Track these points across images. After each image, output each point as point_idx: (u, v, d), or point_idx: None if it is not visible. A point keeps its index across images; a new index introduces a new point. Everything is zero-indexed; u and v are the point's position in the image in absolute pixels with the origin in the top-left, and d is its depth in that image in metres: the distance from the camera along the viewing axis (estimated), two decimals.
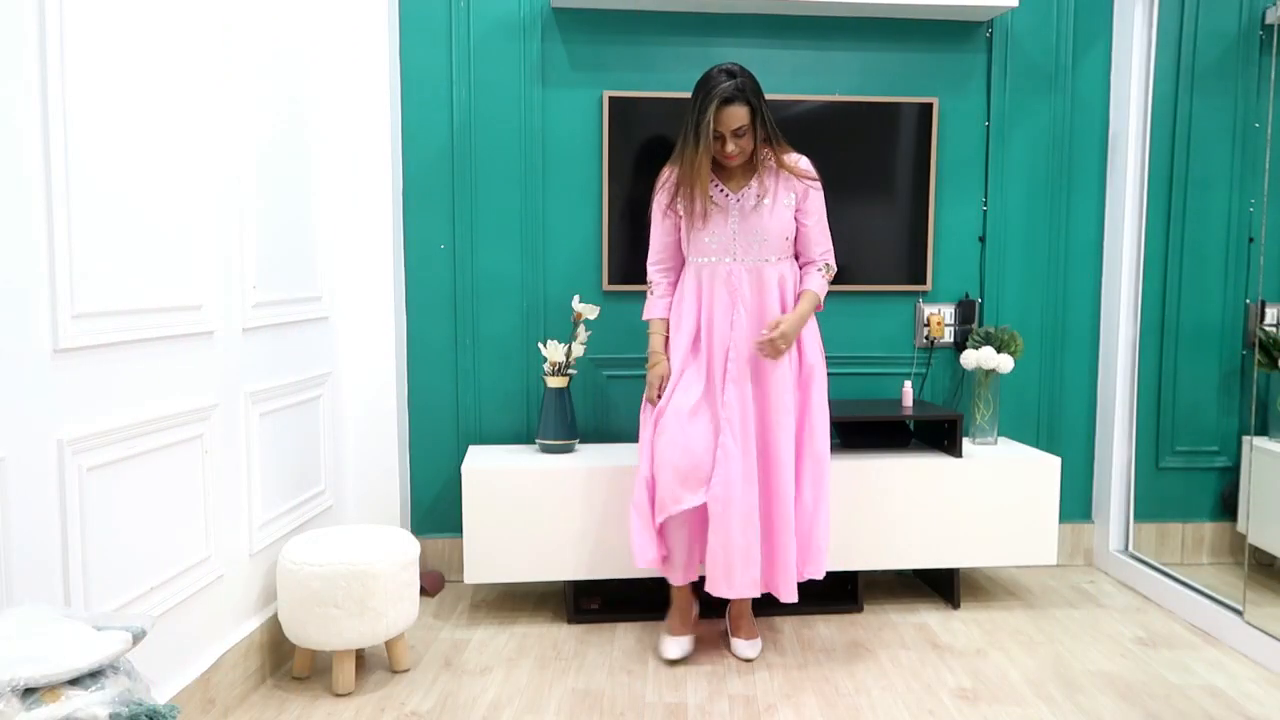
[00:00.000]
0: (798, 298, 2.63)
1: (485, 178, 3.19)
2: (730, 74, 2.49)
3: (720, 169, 2.63)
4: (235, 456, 2.35)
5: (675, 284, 2.72)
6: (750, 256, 2.60)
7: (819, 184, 2.65)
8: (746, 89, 2.49)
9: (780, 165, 2.60)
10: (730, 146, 2.52)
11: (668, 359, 2.67)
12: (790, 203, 2.61)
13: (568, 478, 2.86)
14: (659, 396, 2.65)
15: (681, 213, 2.64)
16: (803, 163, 2.66)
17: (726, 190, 2.61)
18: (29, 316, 1.66)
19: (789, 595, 2.61)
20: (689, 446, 2.55)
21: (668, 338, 2.69)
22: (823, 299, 2.67)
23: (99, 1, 1.82)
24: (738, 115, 2.49)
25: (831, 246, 2.69)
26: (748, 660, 2.65)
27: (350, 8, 2.95)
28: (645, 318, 2.75)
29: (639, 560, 2.60)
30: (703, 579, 2.64)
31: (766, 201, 2.60)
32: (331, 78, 2.92)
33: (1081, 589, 3.24)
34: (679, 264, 2.72)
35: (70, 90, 1.73)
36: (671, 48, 3.19)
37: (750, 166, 2.63)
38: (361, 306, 3.05)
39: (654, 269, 2.74)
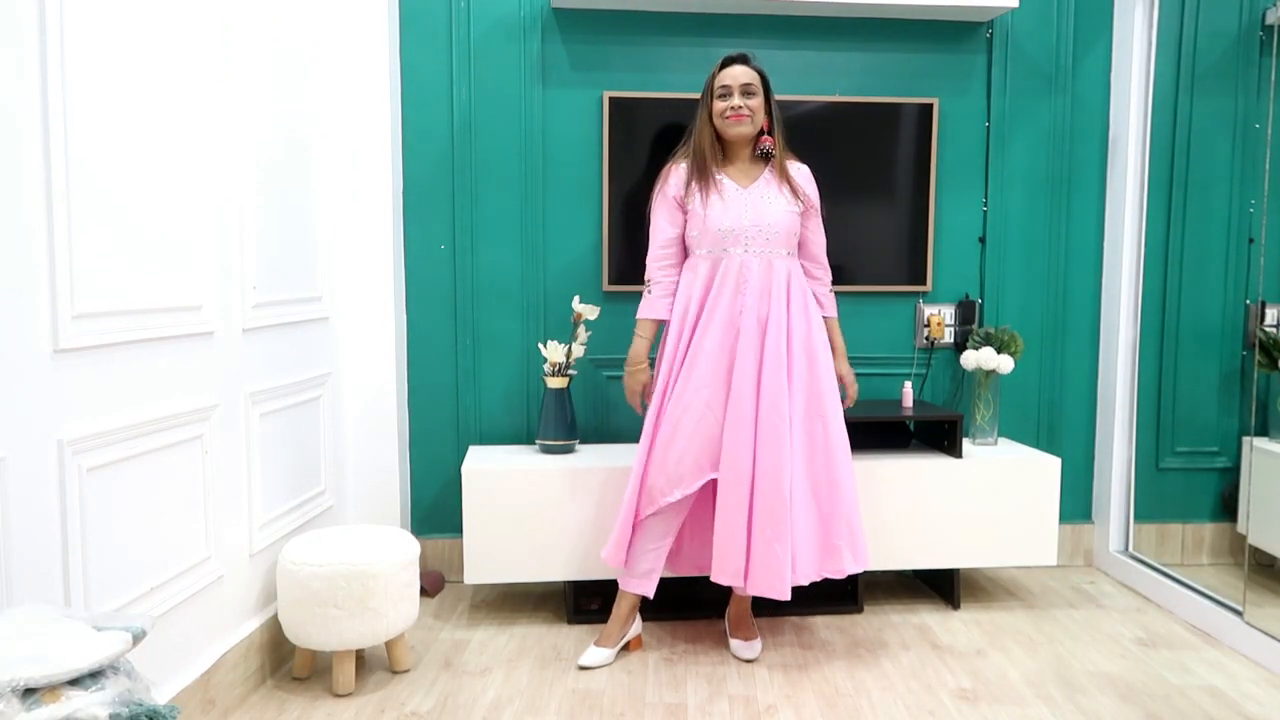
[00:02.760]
0: (825, 322, 2.72)
1: (485, 178, 3.19)
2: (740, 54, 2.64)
3: (729, 164, 2.64)
4: (235, 457, 2.35)
5: (674, 282, 2.67)
6: (761, 248, 2.59)
7: (817, 199, 2.71)
8: (754, 60, 2.62)
9: (783, 168, 2.65)
10: (737, 100, 2.56)
11: (650, 365, 2.70)
12: (796, 209, 2.64)
13: (568, 478, 2.85)
14: (642, 407, 2.70)
15: (692, 202, 2.61)
16: (804, 174, 2.71)
17: (738, 185, 2.62)
18: (29, 316, 1.66)
19: (780, 591, 2.50)
20: (681, 456, 2.56)
21: (650, 343, 2.70)
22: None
23: (99, 1, 1.82)
24: (745, 73, 2.58)
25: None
26: (747, 661, 2.65)
27: (350, 8, 2.95)
28: (641, 316, 2.68)
29: (615, 561, 2.64)
30: (648, 599, 2.66)
31: (776, 196, 2.61)
32: (332, 78, 2.92)
33: (1082, 589, 3.24)
34: (681, 259, 2.69)
35: (70, 90, 1.73)
36: (671, 48, 3.19)
37: (758, 163, 2.66)
38: (361, 306, 3.04)
39: (656, 266, 2.67)
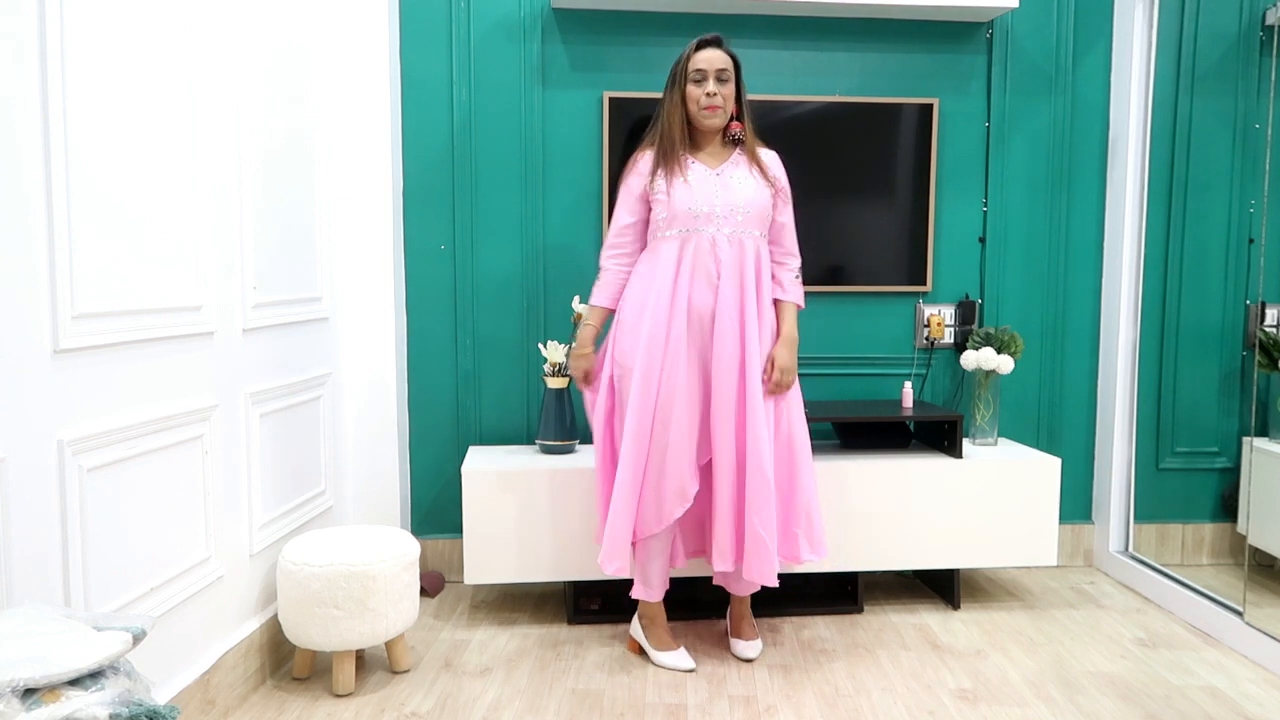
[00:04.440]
0: (777, 304, 2.63)
1: (485, 178, 3.19)
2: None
3: (698, 148, 2.59)
4: (235, 457, 2.35)
5: (626, 272, 2.62)
6: (733, 229, 2.53)
7: (787, 184, 2.65)
8: (726, 43, 2.56)
9: (753, 152, 2.60)
10: (712, 86, 2.51)
11: (596, 353, 2.64)
12: (768, 190, 2.58)
13: (568, 478, 2.85)
14: (584, 386, 2.67)
15: (658, 188, 2.54)
16: (773, 159, 2.66)
17: (706, 167, 2.56)
18: (29, 316, 1.66)
19: (769, 578, 2.50)
20: (681, 470, 2.52)
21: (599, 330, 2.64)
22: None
23: (99, 2, 1.82)
24: (719, 58, 2.53)
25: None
26: (748, 660, 2.65)
27: (350, 8, 2.95)
28: (592, 303, 2.64)
29: (617, 571, 2.54)
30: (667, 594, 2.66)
31: (746, 178, 2.56)
32: (332, 78, 2.92)
33: (1082, 590, 3.24)
34: (637, 250, 2.62)
35: (70, 90, 1.73)
36: (671, 48, 3.18)
37: (728, 147, 2.61)
38: (361, 307, 3.04)
39: (609, 254, 2.64)
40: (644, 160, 2.60)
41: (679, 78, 2.56)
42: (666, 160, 2.55)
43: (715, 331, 2.51)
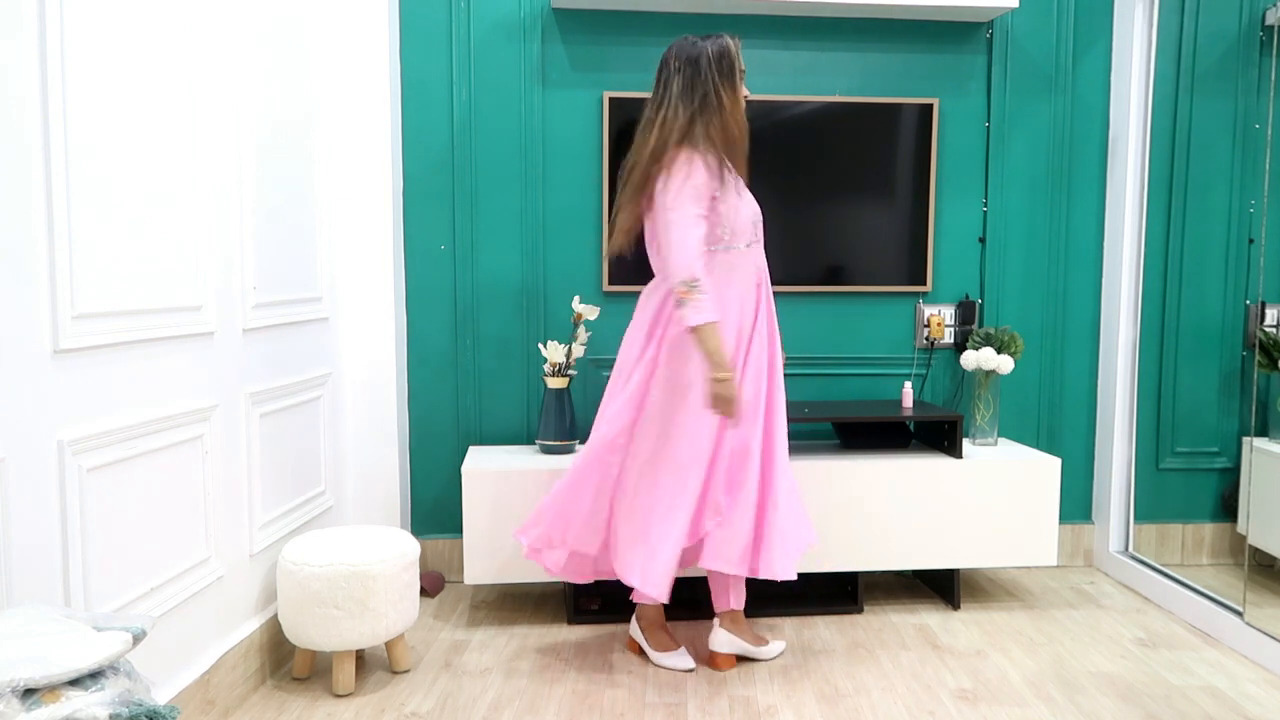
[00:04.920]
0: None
1: (485, 178, 3.19)
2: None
3: None
4: (235, 457, 2.35)
5: None
6: (759, 236, 2.53)
7: None
8: None
9: None
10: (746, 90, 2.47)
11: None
12: None
13: None
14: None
15: (726, 195, 2.38)
16: None
17: None
18: (29, 316, 1.66)
19: (790, 572, 2.46)
20: (718, 484, 2.47)
21: None
22: None
23: (100, 2, 1.82)
24: None
25: None
26: (762, 659, 2.62)
27: (351, 9, 2.95)
28: (712, 319, 2.30)
29: (662, 593, 2.43)
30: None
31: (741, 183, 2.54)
32: (332, 78, 2.92)
33: (1082, 590, 3.24)
34: None
35: (71, 90, 1.73)
36: None
37: None
38: (361, 307, 3.05)
39: (700, 262, 2.32)
40: (708, 162, 2.36)
41: (731, 74, 2.38)
42: (723, 165, 2.38)
43: (754, 338, 2.49)
